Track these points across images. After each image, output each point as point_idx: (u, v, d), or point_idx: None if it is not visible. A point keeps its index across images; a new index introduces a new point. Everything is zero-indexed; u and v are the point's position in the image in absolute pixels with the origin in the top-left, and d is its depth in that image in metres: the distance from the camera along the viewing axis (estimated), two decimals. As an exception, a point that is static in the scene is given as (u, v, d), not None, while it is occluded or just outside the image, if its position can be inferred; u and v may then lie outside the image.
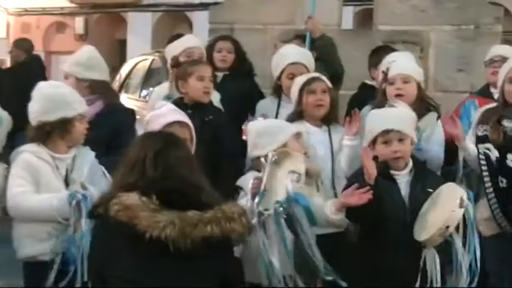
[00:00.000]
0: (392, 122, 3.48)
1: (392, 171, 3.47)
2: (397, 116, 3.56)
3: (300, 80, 4.16)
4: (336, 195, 3.87)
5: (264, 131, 3.46)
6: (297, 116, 3.86)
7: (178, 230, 2.35)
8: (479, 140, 3.84)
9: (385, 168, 3.47)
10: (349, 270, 3.40)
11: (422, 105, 3.99)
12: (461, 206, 3.15)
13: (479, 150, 3.81)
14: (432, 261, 3.23)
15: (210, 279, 2.43)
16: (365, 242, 3.47)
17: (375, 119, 3.58)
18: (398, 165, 3.48)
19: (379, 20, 5.98)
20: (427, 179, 3.47)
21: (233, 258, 2.55)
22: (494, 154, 3.77)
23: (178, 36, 5.53)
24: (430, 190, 3.41)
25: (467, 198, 3.20)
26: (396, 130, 3.44)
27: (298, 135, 3.47)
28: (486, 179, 3.79)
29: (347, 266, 3.45)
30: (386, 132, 3.46)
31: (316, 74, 4.17)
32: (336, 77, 4.85)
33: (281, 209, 2.95)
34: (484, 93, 4.73)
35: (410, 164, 3.50)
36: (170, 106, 3.56)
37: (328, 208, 3.25)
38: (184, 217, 2.38)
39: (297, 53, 4.67)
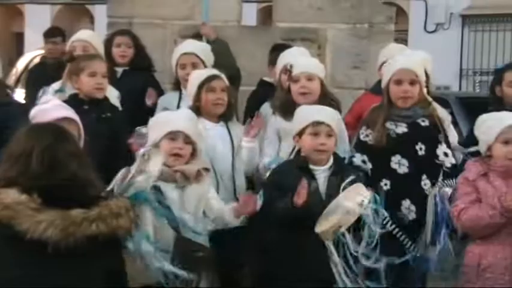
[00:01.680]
0: (323, 116, 3.58)
1: (312, 166, 3.54)
2: (328, 112, 3.66)
3: (198, 76, 4.15)
4: (235, 190, 3.92)
5: (151, 125, 3.51)
6: (194, 111, 3.87)
7: (61, 230, 2.29)
8: (359, 145, 3.92)
9: (304, 163, 3.54)
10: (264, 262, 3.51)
11: (325, 101, 4.07)
12: (361, 205, 3.24)
13: (356, 160, 3.88)
14: (330, 253, 3.32)
15: (97, 277, 2.39)
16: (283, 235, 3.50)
17: (306, 111, 3.67)
18: (320, 159, 3.55)
19: (278, 17, 6.07)
20: (345, 175, 3.54)
21: (121, 254, 2.51)
22: (369, 167, 3.87)
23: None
24: (347, 187, 3.49)
25: (369, 202, 3.28)
26: (327, 124, 3.53)
27: (175, 135, 3.44)
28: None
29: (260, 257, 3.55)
30: (316, 123, 3.55)
31: (216, 72, 4.18)
32: (233, 79, 4.90)
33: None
34: (378, 90, 4.88)
35: (331, 160, 3.58)
36: (56, 101, 3.48)
37: (227, 215, 3.41)
38: (67, 216, 2.32)
39: (190, 44, 4.70)
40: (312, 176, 3.51)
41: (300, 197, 3.33)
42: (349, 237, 3.28)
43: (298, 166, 3.54)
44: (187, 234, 3.25)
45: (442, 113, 4.08)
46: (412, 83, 3.87)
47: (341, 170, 3.56)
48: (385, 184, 3.83)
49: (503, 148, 3.33)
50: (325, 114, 3.60)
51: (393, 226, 3.79)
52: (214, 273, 3.38)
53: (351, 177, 3.48)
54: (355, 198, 3.28)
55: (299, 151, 3.66)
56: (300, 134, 3.59)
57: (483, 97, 6.22)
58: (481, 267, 3.32)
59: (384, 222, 3.74)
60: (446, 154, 3.89)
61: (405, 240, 3.81)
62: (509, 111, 3.59)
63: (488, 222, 3.27)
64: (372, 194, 3.33)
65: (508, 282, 3.26)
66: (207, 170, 3.49)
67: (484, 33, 15.24)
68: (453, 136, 4.24)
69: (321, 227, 3.30)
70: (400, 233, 3.80)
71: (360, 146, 3.91)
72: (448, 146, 3.95)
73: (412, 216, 3.80)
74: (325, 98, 4.11)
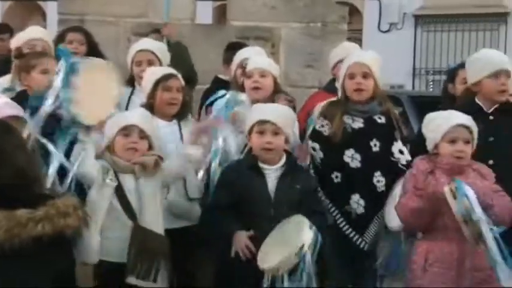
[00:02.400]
0: (269, 114, 3.57)
1: (261, 165, 3.54)
2: (276, 110, 3.66)
3: (155, 73, 4.12)
4: (186, 190, 3.91)
5: (107, 124, 3.50)
6: (148, 108, 3.84)
7: (5, 231, 2.25)
8: (313, 135, 3.95)
9: (253, 161, 3.55)
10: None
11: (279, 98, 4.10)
12: (298, 255, 3.17)
13: (309, 146, 3.93)
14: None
15: (45, 277, 2.35)
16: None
17: (254, 110, 3.68)
18: (268, 158, 3.54)
19: (232, 16, 6.08)
20: (296, 175, 3.54)
21: (70, 252, 2.47)
22: (319, 155, 3.90)
23: None
24: (298, 186, 3.51)
25: (308, 247, 3.20)
26: (272, 122, 3.53)
27: (128, 130, 3.45)
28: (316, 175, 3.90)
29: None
30: (262, 122, 3.54)
31: (173, 71, 4.17)
32: (190, 81, 4.90)
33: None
34: (331, 88, 4.93)
35: (283, 160, 3.57)
36: (2, 99, 3.42)
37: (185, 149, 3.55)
38: (12, 216, 2.28)
39: (147, 42, 4.67)
40: (262, 176, 3.51)
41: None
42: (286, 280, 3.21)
43: (247, 165, 3.54)
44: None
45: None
46: (365, 76, 3.90)
47: (293, 171, 3.56)
48: (336, 176, 3.87)
49: (450, 147, 3.38)
50: (271, 112, 3.59)
51: (341, 219, 3.84)
52: (170, 262, 3.40)
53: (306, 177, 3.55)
54: (297, 240, 3.22)
55: (251, 149, 3.67)
56: (249, 132, 3.60)
57: (435, 96, 6.34)
58: (428, 262, 3.36)
59: (333, 214, 3.83)
60: (401, 151, 3.93)
61: (351, 233, 3.85)
62: (460, 109, 3.65)
63: (414, 207, 3.33)
64: (314, 235, 3.25)
65: (455, 276, 3.31)
66: (162, 158, 3.50)
67: (436, 33, 15.50)
68: None
69: (267, 264, 3.25)
70: (347, 226, 3.85)
71: (315, 136, 3.93)
72: (404, 143, 3.99)
73: (360, 210, 3.84)
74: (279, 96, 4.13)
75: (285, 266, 3.17)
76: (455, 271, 3.30)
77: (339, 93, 4.05)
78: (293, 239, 3.22)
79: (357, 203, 3.84)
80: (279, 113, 3.62)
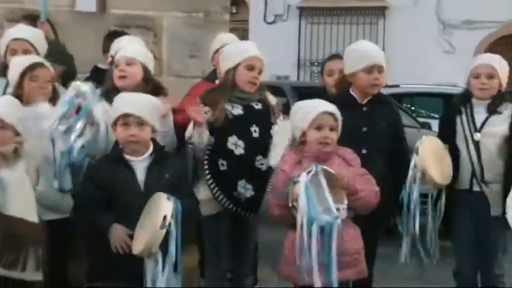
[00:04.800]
0: (133, 107, 3.51)
1: (128, 157, 3.50)
2: (139, 101, 3.59)
3: (20, 63, 3.98)
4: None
5: None
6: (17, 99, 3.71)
7: None
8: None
9: (120, 154, 3.50)
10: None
11: (148, 88, 4.03)
12: (162, 227, 3.19)
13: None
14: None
15: None
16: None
17: (119, 102, 3.61)
18: (133, 150, 3.51)
19: (113, 4, 5.93)
20: (165, 163, 3.53)
21: None
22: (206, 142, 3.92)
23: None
24: (167, 175, 3.50)
25: (171, 216, 3.20)
26: (136, 115, 3.48)
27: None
28: (205, 162, 3.95)
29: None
30: (126, 116, 3.50)
31: (40, 60, 4.04)
32: (69, 75, 4.78)
33: None
34: (213, 78, 4.95)
35: (150, 149, 3.55)
36: None
37: None
38: None
39: (22, 30, 4.50)
40: (129, 168, 3.48)
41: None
42: (159, 256, 3.22)
43: (114, 158, 3.51)
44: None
45: (272, 100, 4.21)
46: (260, 72, 4.00)
47: (161, 159, 3.55)
48: (222, 164, 3.92)
49: (316, 134, 3.48)
50: (134, 104, 3.54)
51: (231, 206, 3.92)
52: (44, 249, 3.33)
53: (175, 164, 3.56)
54: (158, 214, 3.21)
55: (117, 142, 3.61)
56: (114, 123, 3.56)
57: (318, 87, 6.50)
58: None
59: (222, 202, 3.91)
60: None
61: (246, 214, 3.97)
62: (336, 99, 3.76)
63: (277, 215, 3.42)
64: (174, 204, 3.25)
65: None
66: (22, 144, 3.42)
67: (319, 26, 15.90)
68: None
69: (138, 247, 3.24)
70: (240, 208, 3.94)
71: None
72: None
73: (249, 193, 3.93)
74: (148, 85, 4.09)
75: (155, 242, 3.18)
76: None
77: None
78: (154, 215, 3.22)
79: (244, 188, 3.93)
80: (143, 105, 3.57)
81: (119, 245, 3.35)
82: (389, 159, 4.01)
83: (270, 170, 3.79)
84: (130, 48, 4.22)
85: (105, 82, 4.21)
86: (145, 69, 4.14)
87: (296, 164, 3.46)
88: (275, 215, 3.45)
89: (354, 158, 3.57)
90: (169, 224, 3.18)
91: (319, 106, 3.53)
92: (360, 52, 4.09)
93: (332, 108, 3.53)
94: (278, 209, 3.40)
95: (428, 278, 5.27)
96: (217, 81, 4.34)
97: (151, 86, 4.10)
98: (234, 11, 17.71)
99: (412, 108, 11.58)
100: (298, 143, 3.53)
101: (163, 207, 3.22)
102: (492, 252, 4.12)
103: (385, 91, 10.25)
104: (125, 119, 3.50)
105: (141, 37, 4.93)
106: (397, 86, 11.89)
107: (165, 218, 3.18)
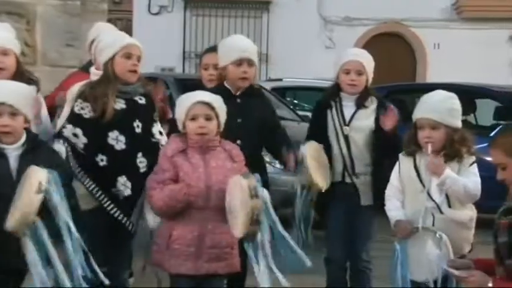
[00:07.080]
0: (5, 95, 3.36)
1: (1, 145, 3.38)
2: (14, 90, 3.44)
3: None
4: None
5: None
6: None
7: None
8: (73, 118, 3.82)
9: None
10: None
11: (23, 79, 3.90)
12: (38, 191, 3.11)
13: (66, 132, 3.82)
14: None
15: None
16: None
17: None
18: (6, 140, 3.39)
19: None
20: (38, 152, 3.43)
21: None
22: (82, 141, 3.82)
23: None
24: (41, 166, 3.36)
25: (47, 183, 3.14)
26: (8, 104, 3.36)
27: None
28: (78, 158, 3.85)
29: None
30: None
31: None
32: None
33: None
34: (88, 68, 4.86)
35: (23, 139, 3.44)
36: None
37: None
38: None
39: None
40: (3, 156, 3.37)
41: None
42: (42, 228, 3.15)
43: None
44: None
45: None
46: (139, 59, 3.91)
47: (34, 148, 3.46)
48: (102, 160, 3.82)
49: (192, 124, 3.51)
50: (8, 93, 3.41)
51: (108, 203, 3.82)
52: None
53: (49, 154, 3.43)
54: (31, 181, 3.13)
55: None
56: None
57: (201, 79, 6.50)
58: (171, 238, 3.47)
59: (99, 198, 3.81)
60: (161, 133, 3.99)
61: (119, 216, 3.85)
62: (214, 92, 3.77)
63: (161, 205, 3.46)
64: (46, 171, 3.17)
65: (194, 253, 3.45)
66: None
67: (204, 18, 15.90)
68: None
69: (10, 223, 3.11)
70: (115, 209, 3.83)
71: (74, 119, 3.83)
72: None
73: (127, 192, 3.84)
74: (22, 76, 3.96)
75: (32, 209, 3.09)
76: (195, 248, 3.44)
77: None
78: (27, 184, 3.13)
79: (124, 185, 3.83)
80: (17, 94, 3.45)
81: None
82: (263, 150, 4.10)
83: (148, 171, 3.74)
84: (1, 36, 4.05)
85: None
86: (17, 58, 4.02)
87: (180, 151, 3.48)
88: (159, 206, 3.45)
89: (239, 154, 3.61)
90: (47, 191, 3.10)
91: (194, 96, 3.55)
92: (230, 46, 4.16)
93: (208, 97, 3.55)
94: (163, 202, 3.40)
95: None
96: (91, 71, 4.20)
97: (25, 77, 3.96)
98: (118, 1, 17.43)
99: (295, 101, 11.84)
100: (183, 133, 3.55)
101: (37, 175, 3.14)
102: (362, 240, 4.29)
103: (268, 85, 10.60)
104: None
105: (12, 24, 4.76)
106: (280, 79, 12.12)
107: (40, 183, 3.10)
